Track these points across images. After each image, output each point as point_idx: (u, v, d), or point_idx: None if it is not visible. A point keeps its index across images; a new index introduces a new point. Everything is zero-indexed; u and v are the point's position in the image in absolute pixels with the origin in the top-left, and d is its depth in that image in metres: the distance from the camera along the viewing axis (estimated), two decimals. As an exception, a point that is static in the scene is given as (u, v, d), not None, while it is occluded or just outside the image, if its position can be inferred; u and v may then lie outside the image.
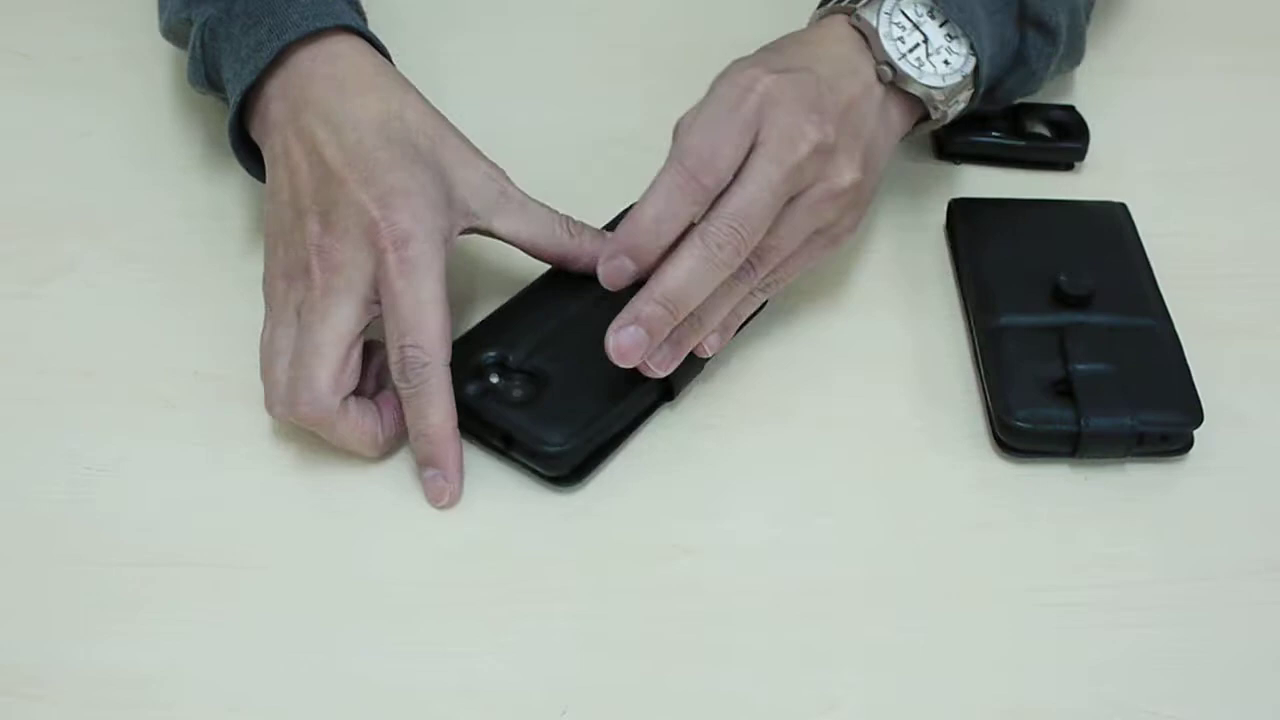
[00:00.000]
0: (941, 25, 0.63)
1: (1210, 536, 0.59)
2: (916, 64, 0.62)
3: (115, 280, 0.67)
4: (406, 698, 0.53)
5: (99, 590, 0.56)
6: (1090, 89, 0.76)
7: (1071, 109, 0.74)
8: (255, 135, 0.63)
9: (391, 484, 0.59)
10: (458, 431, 0.58)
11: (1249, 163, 0.75)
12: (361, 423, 0.58)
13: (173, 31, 0.69)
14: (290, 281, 0.58)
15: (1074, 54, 0.71)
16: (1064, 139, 0.74)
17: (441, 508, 0.58)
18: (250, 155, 0.64)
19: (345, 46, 0.61)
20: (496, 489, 0.59)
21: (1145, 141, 0.75)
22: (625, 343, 0.56)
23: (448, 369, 0.57)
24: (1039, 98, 0.75)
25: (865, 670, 0.54)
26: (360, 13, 0.66)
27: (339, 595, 0.56)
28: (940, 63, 0.63)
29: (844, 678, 0.54)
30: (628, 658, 0.54)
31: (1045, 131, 0.74)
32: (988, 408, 0.62)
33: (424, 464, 0.58)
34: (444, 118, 0.61)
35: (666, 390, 0.61)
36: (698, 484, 0.60)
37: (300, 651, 0.54)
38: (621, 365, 0.56)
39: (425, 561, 0.57)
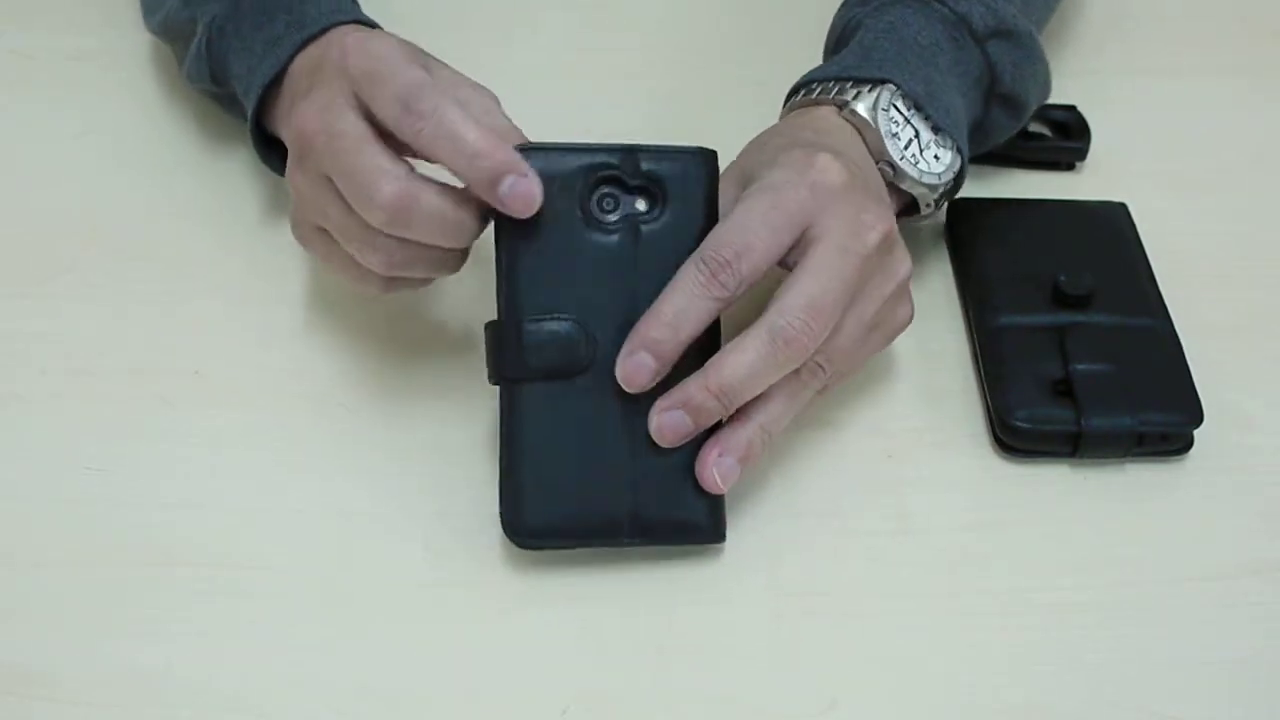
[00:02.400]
0: (927, 119, 0.61)
1: (1210, 536, 0.59)
2: (914, 161, 0.61)
3: (115, 280, 0.67)
4: (406, 698, 0.53)
5: (99, 590, 0.56)
6: (1091, 89, 0.76)
7: (1073, 109, 0.74)
8: (274, 128, 0.63)
9: (392, 484, 0.59)
10: (497, 130, 0.54)
11: (1249, 163, 0.75)
12: (445, 191, 0.54)
13: (169, 30, 0.69)
14: (303, 166, 0.56)
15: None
16: (1065, 139, 0.74)
17: (535, 210, 0.53)
18: (269, 149, 0.64)
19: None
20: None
21: (1145, 141, 0.75)
22: (667, 425, 0.53)
23: (446, 93, 0.53)
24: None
25: (865, 670, 0.54)
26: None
27: (338, 595, 0.56)
28: (932, 158, 0.61)
29: (844, 678, 0.54)
30: (628, 658, 0.54)
31: (1046, 131, 0.74)
32: (988, 408, 0.62)
33: (492, 182, 0.52)
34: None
35: None
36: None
37: (300, 651, 0.54)
38: (659, 443, 0.54)
39: (425, 561, 0.57)
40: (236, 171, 0.72)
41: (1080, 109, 0.74)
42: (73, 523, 0.58)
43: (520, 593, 0.56)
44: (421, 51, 0.57)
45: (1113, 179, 0.73)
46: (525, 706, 0.53)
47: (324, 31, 0.60)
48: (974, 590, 0.57)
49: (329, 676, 0.53)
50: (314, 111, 0.55)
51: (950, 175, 0.62)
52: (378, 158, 0.53)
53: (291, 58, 0.61)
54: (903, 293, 0.58)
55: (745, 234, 0.53)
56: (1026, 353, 0.62)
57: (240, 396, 0.62)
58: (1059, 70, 0.78)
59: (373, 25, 0.62)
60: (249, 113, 0.62)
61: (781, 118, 0.64)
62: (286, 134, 0.60)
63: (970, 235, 0.68)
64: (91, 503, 0.58)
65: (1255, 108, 0.77)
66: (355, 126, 0.54)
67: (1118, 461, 0.61)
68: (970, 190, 0.70)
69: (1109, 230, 0.68)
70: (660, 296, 0.53)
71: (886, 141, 0.60)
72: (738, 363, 0.52)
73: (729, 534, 0.57)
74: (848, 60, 0.62)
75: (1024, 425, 0.60)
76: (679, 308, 0.53)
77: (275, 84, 0.62)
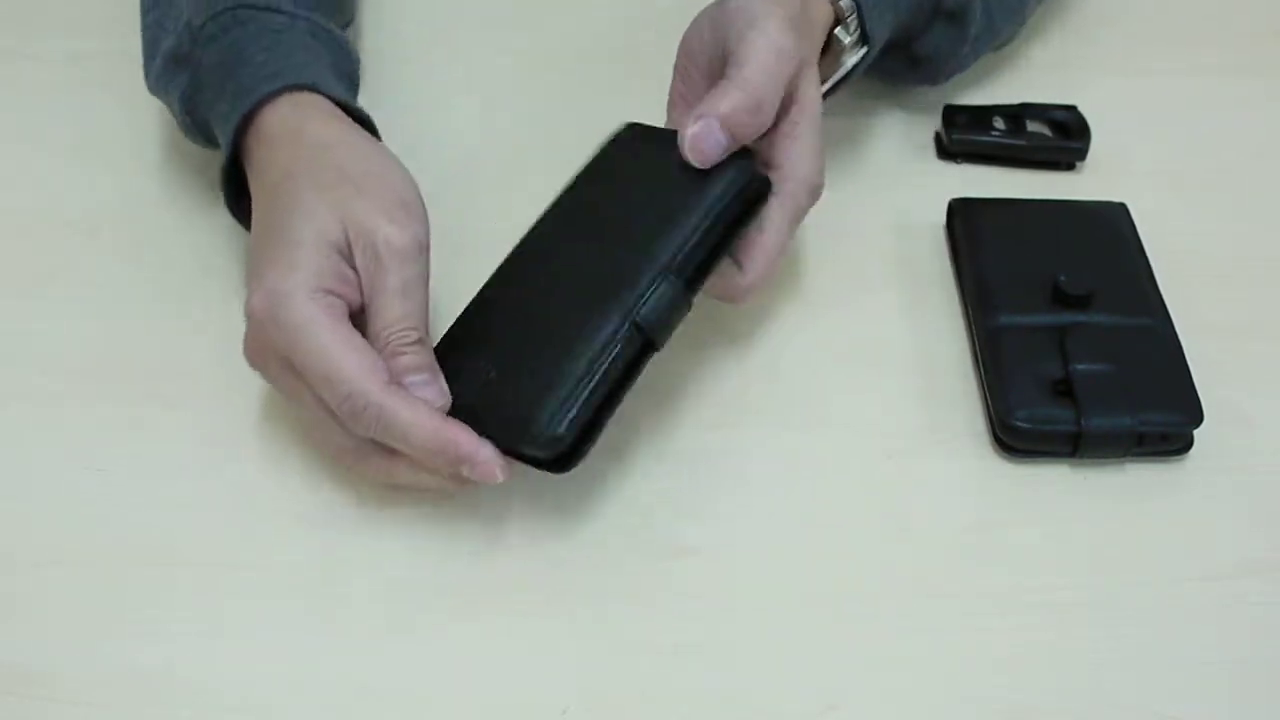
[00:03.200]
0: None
1: (1210, 536, 0.59)
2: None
3: (115, 280, 0.67)
4: (406, 698, 0.53)
5: (99, 590, 0.56)
6: (1091, 89, 0.76)
7: (1073, 109, 0.74)
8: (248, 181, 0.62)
9: (392, 485, 0.59)
10: (447, 420, 0.54)
11: (1249, 163, 0.75)
12: (419, 402, 0.54)
13: (157, 93, 0.68)
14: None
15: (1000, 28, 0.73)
16: (1065, 139, 0.74)
17: (502, 481, 0.54)
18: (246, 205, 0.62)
19: (288, 109, 0.59)
20: (496, 488, 0.59)
21: (1145, 141, 0.75)
22: (703, 139, 0.56)
23: (392, 389, 0.53)
24: (1040, 98, 0.75)
25: (865, 670, 0.54)
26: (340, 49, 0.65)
27: (339, 595, 0.56)
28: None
29: (844, 678, 0.54)
30: (628, 658, 0.54)
31: (1046, 131, 0.74)
32: (988, 408, 0.62)
33: (453, 470, 0.54)
34: (380, 152, 0.59)
35: (648, 342, 0.55)
36: (698, 484, 0.60)
37: (300, 651, 0.54)
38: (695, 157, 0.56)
39: (425, 561, 0.57)
40: (236, 171, 0.72)
41: (1080, 109, 0.74)
42: (73, 523, 0.58)
43: (520, 593, 0.56)
44: (334, 218, 0.55)
45: (1113, 179, 0.73)
46: (525, 706, 0.53)
47: (260, 104, 0.59)
48: (974, 590, 0.57)
49: (329, 676, 0.54)
50: (252, 349, 0.56)
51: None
52: (334, 435, 0.55)
53: (239, 135, 0.59)
54: None
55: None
56: (1026, 353, 0.62)
57: (240, 397, 0.62)
58: (1059, 70, 0.78)
59: (316, 86, 0.60)
60: (224, 196, 0.62)
61: None
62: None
63: (970, 235, 0.68)
64: (91, 503, 0.58)
65: (1256, 107, 0.77)
66: (299, 391, 0.55)
67: (1118, 461, 0.61)
68: (970, 190, 0.71)
69: (1109, 230, 0.68)
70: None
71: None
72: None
73: (729, 534, 0.57)
74: None
75: (1024, 425, 0.60)
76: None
77: (239, 151, 0.60)
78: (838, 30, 0.63)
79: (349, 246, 0.55)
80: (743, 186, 0.57)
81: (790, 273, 0.68)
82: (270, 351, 0.55)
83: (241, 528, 0.58)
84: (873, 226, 0.70)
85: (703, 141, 0.56)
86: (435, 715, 0.53)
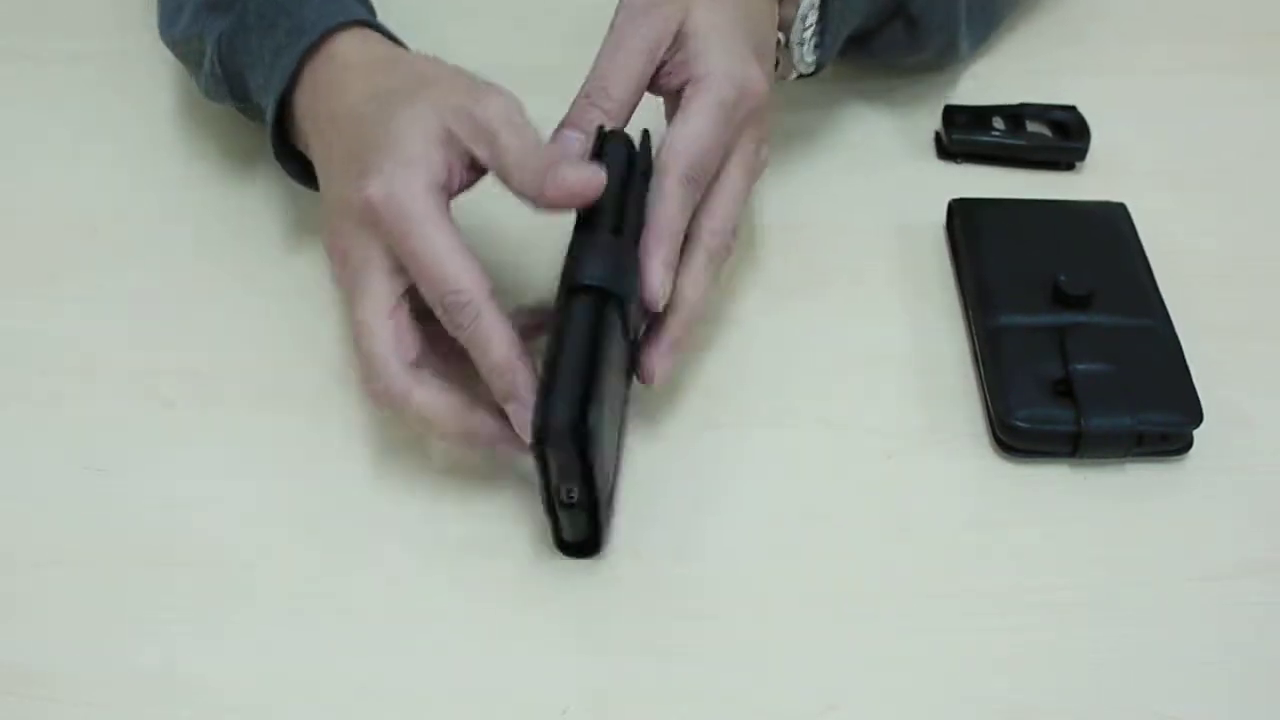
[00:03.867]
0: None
1: (1210, 536, 0.59)
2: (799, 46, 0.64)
3: (115, 280, 0.67)
4: (406, 698, 0.53)
5: (99, 590, 0.56)
6: (1091, 89, 0.76)
7: (1073, 109, 0.74)
8: (295, 141, 0.63)
9: (393, 484, 0.59)
10: (525, 356, 0.54)
11: (1248, 163, 0.75)
12: (440, 395, 0.55)
13: (179, 49, 0.69)
14: (337, 281, 0.58)
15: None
16: (1065, 139, 0.74)
17: (526, 445, 0.54)
18: (292, 160, 0.63)
19: (358, 41, 0.61)
20: (496, 488, 0.59)
21: (1145, 141, 0.75)
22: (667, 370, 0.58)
23: (493, 300, 0.54)
24: (1040, 98, 0.75)
25: (865, 670, 0.54)
26: (368, 5, 0.67)
27: (339, 595, 0.56)
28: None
29: (844, 678, 0.54)
30: (628, 657, 0.54)
31: (1046, 131, 0.74)
32: (988, 408, 0.62)
33: (503, 399, 0.55)
34: (437, 59, 0.60)
35: (602, 293, 0.54)
36: (698, 484, 0.60)
37: (300, 651, 0.54)
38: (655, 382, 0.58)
39: (425, 561, 0.57)
40: (237, 171, 0.72)
41: (1080, 109, 0.74)
42: (73, 523, 0.58)
43: (520, 593, 0.56)
44: (435, 115, 0.56)
45: (1113, 179, 0.73)
46: (525, 706, 0.53)
47: (325, 37, 0.60)
48: (974, 590, 0.57)
49: (329, 676, 0.54)
50: (337, 249, 0.56)
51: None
52: (378, 346, 0.55)
53: (298, 68, 0.60)
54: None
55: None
56: (1026, 353, 0.62)
57: (240, 396, 0.62)
58: (1059, 70, 0.78)
59: (373, 23, 0.62)
60: (268, 130, 0.62)
61: None
62: (303, 147, 0.61)
63: (970, 235, 0.68)
64: (91, 503, 0.58)
65: (1256, 107, 0.77)
66: (374, 295, 0.55)
67: (1118, 461, 0.61)
68: (970, 190, 0.71)
69: (1109, 230, 0.68)
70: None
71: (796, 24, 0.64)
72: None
73: (729, 534, 0.57)
74: None
75: (1024, 425, 0.60)
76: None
77: (285, 96, 0.61)
78: None
79: (450, 140, 0.56)
80: (629, 152, 0.57)
81: (790, 272, 0.68)
82: (366, 241, 0.55)
83: (241, 528, 0.58)
84: (873, 226, 0.70)
85: (573, 180, 0.55)
86: (435, 715, 0.53)
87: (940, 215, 0.70)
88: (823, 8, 0.64)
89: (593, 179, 0.54)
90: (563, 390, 0.51)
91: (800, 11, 0.64)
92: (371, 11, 0.66)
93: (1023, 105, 0.74)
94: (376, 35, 0.62)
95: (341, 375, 0.63)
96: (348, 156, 0.57)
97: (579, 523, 0.56)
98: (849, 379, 0.64)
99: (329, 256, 0.57)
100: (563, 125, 0.57)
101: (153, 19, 0.71)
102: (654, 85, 0.59)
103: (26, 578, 0.56)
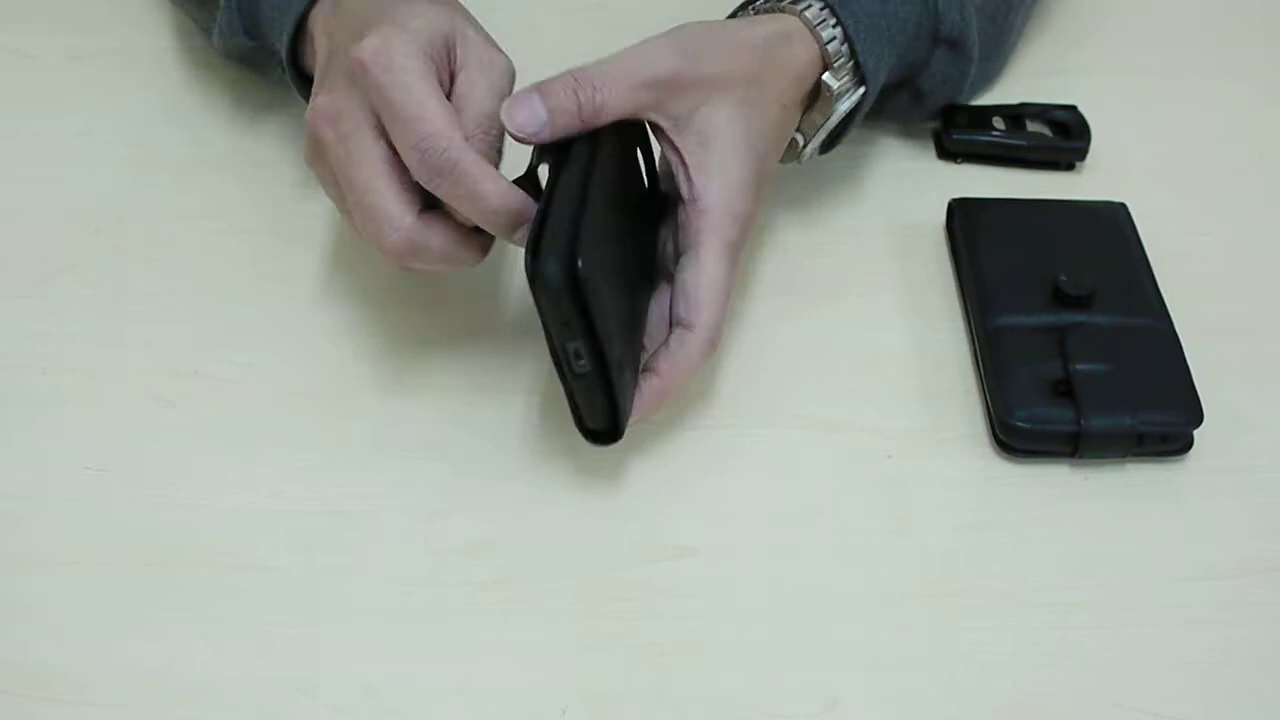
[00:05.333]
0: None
1: (1210, 536, 0.59)
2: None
3: (115, 280, 0.67)
4: (406, 698, 0.53)
5: (99, 590, 0.56)
6: (1091, 89, 0.76)
7: (1073, 109, 0.74)
8: (305, 63, 0.63)
9: (392, 484, 0.59)
10: (515, 188, 0.54)
11: (1248, 163, 0.75)
12: (454, 228, 0.55)
13: None
14: (315, 156, 0.58)
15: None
16: (1065, 139, 0.74)
17: None
18: (306, 84, 0.63)
19: None
20: (495, 488, 0.59)
21: (1145, 141, 0.75)
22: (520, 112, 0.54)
23: (468, 144, 0.53)
24: (1040, 98, 0.75)
25: (865, 670, 0.54)
26: None
27: (339, 595, 0.56)
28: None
29: (844, 678, 0.54)
30: (628, 657, 0.54)
31: (1046, 131, 0.74)
32: (988, 408, 0.62)
33: (508, 231, 0.55)
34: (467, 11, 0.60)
35: (561, 149, 0.55)
36: (698, 484, 0.60)
37: (300, 651, 0.54)
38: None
39: (425, 561, 0.57)
40: (237, 171, 0.72)
41: (1080, 109, 0.74)
42: (73, 523, 0.58)
43: (520, 593, 0.56)
44: (446, 16, 0.56)
45: (1113, 179, 0.73)
46: (525, 706, 0.53)
47: None
48: (974, 590, 0.57)
49: (329, 676, 0.54)
50: (328, 113, 0.55)
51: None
52: (386, 202, 0.54)
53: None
54: None
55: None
56: (1026, 353, 0.62)
57: (240, 396, 0.62)
58: (1059, 70, 0.78)
59: None
60: (284, 47, 0.62)
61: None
62: (316, 51, 0.60)
63: (970, 235, 0.68)
64: (91, 503, 0.58)
65: (1255, 108, 0.77)
66: (369, 151, 0.54)
67: (1118, 461, 0.61)
68: (970, 190, 0.71)
69: (1109, 230, 0.68)
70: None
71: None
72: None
73: (729, 534, 0.57)
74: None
75: (1024, 425, 0.60)
76: None
77: (301, 22, 0.61)
78: (826, 76, 0.62)
79: (452, 45, 0.56)
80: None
81: (790, 272, 0.68)
82: (353, 107, 0.55)
83: (241, 528, 0.58)
84: (873, 226, 0.70)
85: (519, 113, 0.54)
86: (435, 715, 0.53)
87: (940, 215, 0.70)
88: (845, 121, 0.64)
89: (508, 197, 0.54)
90: (552, 235, 0.50)
91: (826, 124, 0.63)
92: None
93: (1023, 105, 0.74)
94: None
95: (341, 374, 0.63)
96: (349, 33, 0.57)
97: (596, 400, 0.54)
98: (849, 379, 0.64)
99: (313, 124, 0.56)
100: (535, 89, 0.55)
101: (153, 18, 0.71)
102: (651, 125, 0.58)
103: (27, 578, 0.56)
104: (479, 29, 0.59)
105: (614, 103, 0.55)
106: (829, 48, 0.61)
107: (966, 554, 0.58)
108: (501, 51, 0.58)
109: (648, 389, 0.57)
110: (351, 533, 0.58)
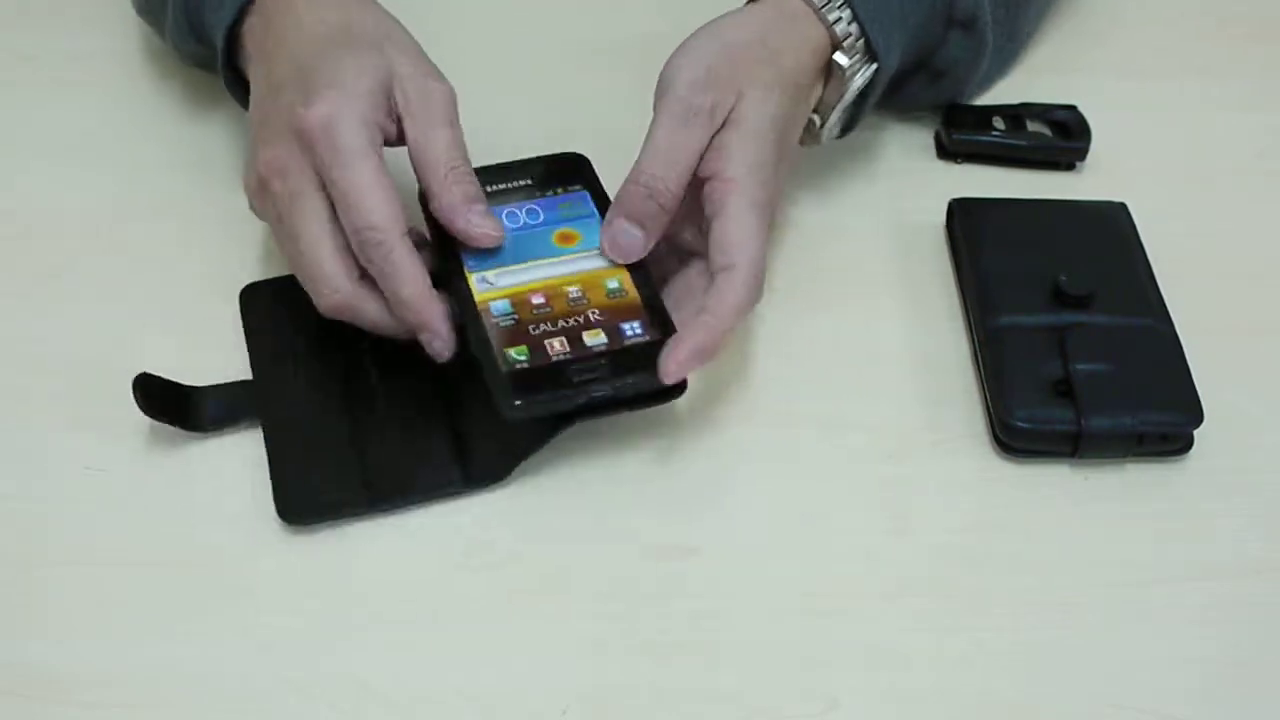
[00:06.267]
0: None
1: (1210, 536, 0.59)
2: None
3: (115, 280, 0.67)
4: (406, 699, 0.53)
5: (99, 590, 0.56)
6: (1092, 89, 0.76)
7: (1074, 109, 0.74)
8: (244, 67, 0.65)
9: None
10: (433, 291, 0.57)
11: (1249, 163, 0.75)
12: (420, 262, 0.57)
13: (147, 5, 0.71)
14: (260, 198, 0.60)
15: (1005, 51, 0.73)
16: (1065, 139, 0.74)
17: (443, 361, 0.58)
18: (241, 88, 0.65)
19: None
20: (495, 488, 0.59)
21: (1145, 141, 0.75)
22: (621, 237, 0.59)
23: (406, 240, 0.56)
24: (1040, 98, 0.75)
25: (865, 670, 0.54)
26: None
27: (339, 597, 0.56)
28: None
29: (844, 678, 0.54)
30: (628, 657, 0.54)
31: (1046, 131, 0.74)
32: (988, 408, 0.62)
33: (417, 330, 0.58)
34: (398, 22, 0.62)
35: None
36: (698, 484, 0.60)
37: (300, 653, 0.54)
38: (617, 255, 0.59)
39: (425, 562, 0.57)
40: (237, 172, 0.72)
41: (1080, 109, 0.74)
42: (73, 523, 0.58)
43: (520, 593, 0.56)
44: (379, 58, 0.59)
45: (1113, 179, 0.73)
46: (525, 706, 0.53)
47: None
48: (974, 590, 0.57)
49: (329, 676, 0.54)
50: (276, 166, 0.58)
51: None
52: (325, 263, 0.57)
53: (242, 10, 0.62)
54: None
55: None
56: (1026, 353, 0.62)
57: (240, 396, 0.62)
58: (1059, 70, 0.78)
59: None
60: (219, 57, 0.64)
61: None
62: (252, 70, 0.63)
63: (970, 235, 0.68)
64: (91, 503, 0.58)
65: (1255, 108, 0.77)
66: (314, 213, 0.57)
67: (1118, 461, 0.61)
68: (970, 190, 0.71)
69: (1109, 230, 0.68)
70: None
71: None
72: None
73: (729, 534, 0.57)
74: None
75: (1024, 425, 0.60)
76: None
77: (236, 28, 0.63)
78: (837, 55, 0.63)
79: (391, 92, 0.59)
80: None
81: (790, 273, 0.68)
82: (300, 166, 0.57)
83: (241, 528, 0.58)
84: (873, 226, 0.70)
85: (620, 237, 0.59)
86: (435, 715, 0.53)
87: (940, 215, 0.70)
88: (860, 97, 0.65)
89: (493, 233, 0.59)
90: None
91: (841, 102, 0.65)
92: None
93: (1023, 105, 0.74)
94: None
95: (341, 375, 0.63)
96: (295, 79, 0.59)
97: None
98: (849, 379, 0.64)
99: (259, 171, 0.59)
100: (619, 213, 0.59)
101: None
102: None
103: (27, 578, 0.56)
104: (411, 52, 0.60)
105: (679, 184, 0.58)
106: (836, 29, 0.63)
107: (966, 554, 0.58)
108: (437, 75, 0.60)
109: (699, 325, 0.56)
110: (352, 534, 0.58)
